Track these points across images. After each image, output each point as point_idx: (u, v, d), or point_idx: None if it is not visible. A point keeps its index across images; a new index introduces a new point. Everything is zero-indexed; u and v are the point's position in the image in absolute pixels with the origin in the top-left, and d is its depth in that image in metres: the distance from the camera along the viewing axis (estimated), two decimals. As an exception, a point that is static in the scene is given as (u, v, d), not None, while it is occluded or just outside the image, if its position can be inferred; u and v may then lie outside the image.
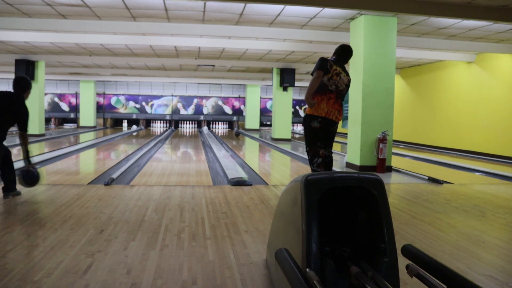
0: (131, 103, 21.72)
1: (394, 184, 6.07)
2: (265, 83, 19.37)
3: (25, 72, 12.20)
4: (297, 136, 18.11)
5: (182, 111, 22.04)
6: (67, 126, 22.03)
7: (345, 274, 1.78)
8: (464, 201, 4.91)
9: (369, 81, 7.09)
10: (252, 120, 20.91)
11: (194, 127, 22.42)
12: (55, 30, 8.27)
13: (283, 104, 14.28)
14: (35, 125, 13.05)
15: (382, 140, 6.97)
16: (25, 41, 10.01)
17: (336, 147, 12.48)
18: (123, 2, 6.68)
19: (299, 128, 23.28)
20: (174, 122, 22.18)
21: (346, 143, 8.96)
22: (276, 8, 6.85)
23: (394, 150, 10.51)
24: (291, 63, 13.46)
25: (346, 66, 4.70)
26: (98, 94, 21.28)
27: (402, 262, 1.79)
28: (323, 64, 4.40)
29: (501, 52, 9.44)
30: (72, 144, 11.90)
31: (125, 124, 22.47)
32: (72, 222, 3.61)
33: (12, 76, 16.07)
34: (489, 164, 8.78)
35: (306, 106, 4.55)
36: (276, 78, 13.99)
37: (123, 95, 21.60)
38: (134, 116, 21.79)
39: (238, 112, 22.36)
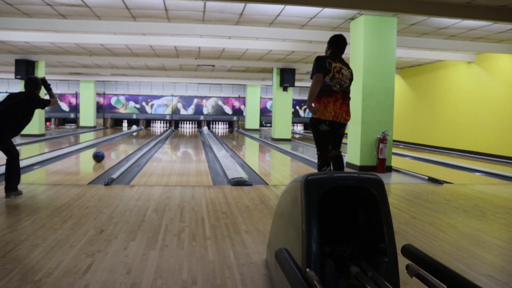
0: (131, 103, 21.72)
1: (394, 184, 6.07)
2: (265, 83, 19.38)
3: (25, 72, 12.21)
4: (297, 136, 18.11)
5: (182, 111, 22.04)
6: (67, 126, 22.03)
7: (345, 274, 1.78)
8: (464, 201, 4.91)
9: (369, 81, 7.10)
10: (252, 120, 20.91)
11: (194, 127, 22.42)
12: (55, 30, 8.27)
13: (283, 104, 14.28)
14: (35, 125, 13.06)
15: (382, 140, 6.97)
16: (25, 41, 10.01)
17: (336, 147, 12.48)
18: (123, 2, 6.68)
19: (299, 128, 23.29)
20: (174, 122, 22.18)
21: (346, 143, 8.96)
22: (276, 8, 6.85)
23: (394, 150, 10.51)
24: (291, 63, 13.46)
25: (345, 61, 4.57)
26: (98, 94, 21.28)
27: (402, 262, 1.79)
28: (321, 65, 4.19)
29: (501, 52, 9.44)
30: (72, 144, 11.90)
31: (125, 124, 22.47)
32: (72, 222, 3.61)
33: (12, 76, 16.07)
34: (489, 164, 8.78)
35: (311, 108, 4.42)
36: (276, 78, 13.99)
37: (123, 95, 21.61)
38: (134, 116, 21.79)
39: (238, 112, 22.36)
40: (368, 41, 7.06)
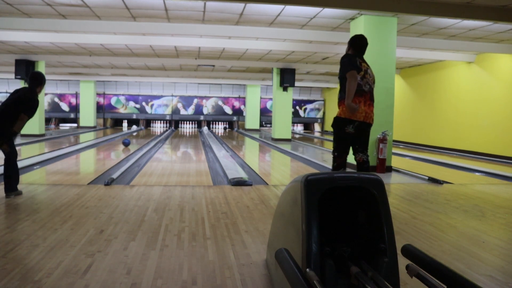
0: (131, 103, 21.72)
1: (394, 184, 6.07)
2: (265, 83, 19.38)
3: (25, 72, 12.21)
4: (297, 136, 18.12)
5: (182, 111, 22.04)
6: (66, 126, 22.02)
7: (345, 274, 1.78)
8: (464, 201, 4.91)
9: (369, 81, 7.09)
10: (252, 120, 20.91)
11: (194, 127, 22.42)
12: (55, 30, 8.27)
13: (283, 104, 14.27)
14: (35, 125, 13.06)
15: (382, 140, 6.97)
16: (25, 41, 10.02)
17: (336, 147, 12.48)
18: (123, 2, 6.68)
19: (299, 128, 23.29)
20: (174, 122, 22.18)
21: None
22: (276, 8, 6.85)
23: (394, 150, 10.51)
24: (291, 63, 13.46)
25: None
26: (98, 94, 21.28)
27: (402, 262, 1.79)
28: (353, 62, 4.03)
29: (501, 52, 9.44)
30: (72, 144, 11.90)
31: (125, 124, 22.47)
32: (72, 222, 3.61)
33: (12, 76, 16.07)
34: (489, 164, 8.78)
35: (342, 107, 4.12)
36: (276, 78, 13.99)
37: (123, 95, 21.60)
38: (134, 116, 21.79)
39: (238, 112, 22.35)
40: (368, 41, 7.04)
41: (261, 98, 21.56)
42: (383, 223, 1.83)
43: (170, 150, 11.28)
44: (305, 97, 22.91)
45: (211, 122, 22.65)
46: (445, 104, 12.10)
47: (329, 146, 13.23)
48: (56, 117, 21.65)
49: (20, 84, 12.85)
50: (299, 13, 7.12)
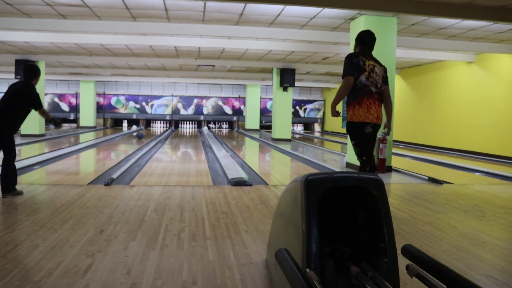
0: (131, 103, 21.72)
1: (394, 184, 6.07)
2: (265, 83, 19.38)
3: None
4: (297, 136, 18.11)
5: (182, 111, 22.03)
6: (65, 126, 22.04)
7: (345, 274, 1.78)
8: (464, 201, 4.91)
9: (369, 81, 7.09)
10: (252, 120, 20.90)
11: (194, 127, 22.42)
12: (55, 30, 8.27)
13: (283, 104, 14.27)
14: (35, 125, 13.06)
15: (382, 140, 6.97)
16: (25, 41, 10.02)
17: (336, 147, 12.50)
18: (123, 2, 6.68)
19: (299, 128, 23.28)
20: (174, 122, 22.17)
21: (346, 143, 8.96)
22: (276, 8, 6.85)
23: (394, 150, 10.51)
24: (291, 63, 13.46)
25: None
26: (98, 94, 21.28)
27: (402, 262, 1.79)
28: (353, 64, 3.84)
29: (501, 52, 9.43)
30: (72, 144, 11.90)
31: (125, 124, 22.47)
32: (72, 222, 3.61)
33: (12, 76, 16.07)
34: (489, 164, 8.78)
35: (346, 111, 3.99)
36: (276, 78, 13.99)
37: (123, 95, 21.60)
38: (134, 116, 21.78)
39: (238, 112, 22.35)
40: (368, 41, 7.04)
41: (261, 98, 21.56)
42: (383, 223, 1.83)
43: (170, 150, 11.28)
44: (305, 97, 22.90)
45: (211, 122, 22.65)
46: (445, 104, 12.10)
47: (329, 146, 13.23)
48: (56, 117, 21.64)
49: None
50: (299, 13, 7.12)
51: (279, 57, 12.34)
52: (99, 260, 2.71)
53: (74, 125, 21.84)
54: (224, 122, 22.93)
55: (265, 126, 21.68)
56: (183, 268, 2.60)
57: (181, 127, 22.37)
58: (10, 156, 4.59)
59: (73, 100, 21.41)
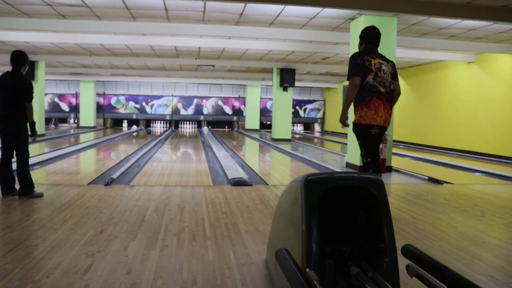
0: (131, 103, 21.71)
1: (394, 184, 6.07)
2: (265, 83, 19.38)
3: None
4: (297, 136, 18.11)
5: (182, 111, 22.03)
6: (65, 125, 22.04)
7: (345, 274, 1.78)
8: (464, 201, 4.91)
9: (369, 81, 7.09)
10: (252, 120, 20.90)
11: (194, 127, 22.42)
12: (55, 30, 8.27)
13: (283, 104, 14.27)
14: (35, 125, 13.03)
15: (382, 140, 6.96)
16: (25, 41, 10.01)
17: (336, 147, 12.50)
18: (123, 2, 6.68)
19: (299, 128, 23.28)
20: (174, 122, 22.17)
21: (346, 143, 8.96)
22: (276, 8, 6.85)
23: (394, 150, 10.51)
24: (291, 63, 13.45)
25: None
26: (98, 94, 21.28)
27: (402, 262, 1.79)
28: (357, 65, 3.72)
29: (501, 52, 9.43)
30: (72, 144, 11.90)
31: (125, 124, 22.47)
32: (72, 222, 3.61)
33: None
34: (489, 164, 8.78)
35: (344, 111, 3.86)
36: (276, 78, 13.99)
37: (123, 95, 21.60)
38: (134, 116, 21.78)
39: (238, 112, 22.35)
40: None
41: (261, 98, 21.55)
42: (383, 223, 1.83)
43: (170, 150, 11.28)
44: (305, 97, 22.90)
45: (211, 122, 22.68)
46: (445, 104, 12.10)
47: (329, 146, 13.24)
48: (56, 117, 21.64)
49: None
50: (299, 13, 7.12)
51: (279, 57, 12.34)
52: (99, 260, 2.71)
53: (73, 124, 21.84)
54: (226, 126, 22.92)
55: (267, 125, 21.68)
56: (183, 268, 2.60)
57: (181, 127, 22.37)
58: (23, 157, 4.52)
59: (73, 100, 21.41)
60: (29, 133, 4.57)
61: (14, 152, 4.57)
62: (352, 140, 7.48)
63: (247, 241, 3.17)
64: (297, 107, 22.71)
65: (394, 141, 13.03)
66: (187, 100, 22.02)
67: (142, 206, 4.28)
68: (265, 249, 2.86)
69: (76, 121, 21.69)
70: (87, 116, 20.17)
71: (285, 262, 1.68)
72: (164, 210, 4.13)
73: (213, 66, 14.09)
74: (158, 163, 7.98)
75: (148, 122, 22.37)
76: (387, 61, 3.93)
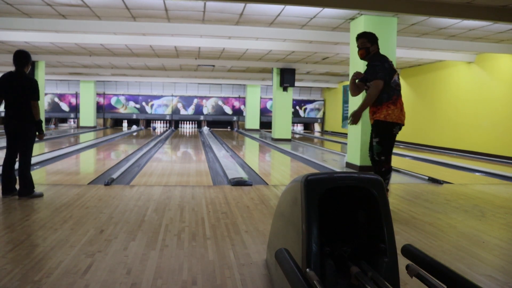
0: (131, 103, 21.71)
1: (394, 184, 6.07)
2: (265, 83, 19.37)
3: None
4: (297, 136, 18.11)
5: (182, 111, 22.03)
6: (65, 125, 22.03)
7: (345, 274, 1.78)
8: (464, 201, 4.91)
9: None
10: (252, 120, 20.91)
11: (194, 127, 22.43)
12: (55, 30, 8.27)
13: (283, 104, 14.27)
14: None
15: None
16: (25, 41, 10.01)
17: (336, 147, 12.50)
18: (123, 2, 6.68)
19: (299, 128, 23.28)
20: (174, 122, 22.17)
21: (346, 143, 8.96)
22: (276, 8, 6.85)
23: (394, 150, 10.49)
24: (291, 63, 13.45)
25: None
26: (98, 94, 21.27)
27: (402, 262, 1.79)
28: (385, 69, 3.89)
29: (501, 52, 9.43)
30: (72, 144, 11.90)
31: (125, 124, 22.47)
32: (72, 222, 3.61)
33: (12, 76, 16.04)
34: (489, 164, 8.78)
35: (378, 110, 3.98)
36: (276, 78, 13.99)
37: (123, 95, 21.60)
38: (134, 116, 21.77)
39: (238, 112, 22.35)
40: (368, 41, 7.03)
41: (261, 98, 21.56)
42: (383, 223, 1.83)
43: (170, 150, 11.28)
44: (305, 97, 22.90)
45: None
46: (445, 104, 12.10)
47: (329, 146, 13.24)
48: (56, 117, 21.64)
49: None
50: (299, 13, 7.11)
51: (279, 57, 12.34)
52: (99, 260, 2.71)
53: (73, 124, 21.84)
54: (228, 126, 22.89)
55: (267, 124, 21.65)
56: (183, 268, 2.60)
57: (181, 127, 22.37)
58: (26, 158, 4.52)
59: (73, 100, 21.41)
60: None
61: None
62: (352, 140, 7.48)
63: (247, 241, 3.17)
64: (297, 107, 22.71)
65: (394, 141, 13.00)
66: (187, 100, 22.02)
67: (142, 206, 4.28)
68: (265, 249, 2.86)
69: (76, 121, 21.70)
70: (87, 116, 20.17)
71: (285, 262, 1.68)
72: (164, 210, 4.13)
73: (213, 66, 14.09)
74: (158, 163, 7.98)
75: (148, 122, 22.37)
76: None
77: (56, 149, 9.87)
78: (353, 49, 7.46)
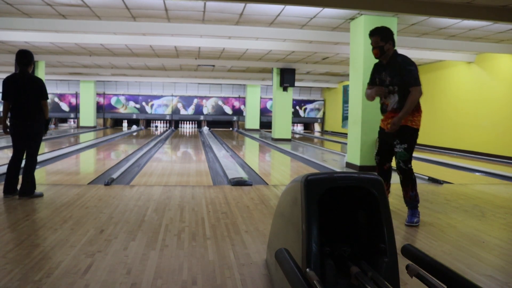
0: (131, 103, 21.71)
1: (394, 184, 6.05)
2: (265, 83, 19.37)
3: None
4: (297, 136, 18.11)
5: (182, 111, 22.03)
6: (65, 125, 22.03)
7: (345, 274, 1.78)
8: (464, 201, 4.91)
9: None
10: (252, 120, 20.91)
11: (194, 127, 22.43)
12: (55, 30, 8.27)
13: (283, 104, 14.28)
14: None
15: (382, 140, 6.96)
16: (25, 41, 10.01)
17: (336, 147, 12.49)
18: (123, 2, 6.68)
19: (299, 128, 23.29)
20: (174, 122, 22.17)
21: (346, 143, 8.96)
22: (276, 8, 6.85)
23: (394, 150, 10.47)
24: (291, 63, 13.45)
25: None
26: (98, 94, 21.27)
27: (402, 262, 1.79)
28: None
29: (501, 52, 9.43)
30: (72, 144, 11.90)
31: (125, 124, 22.47)
32: (72, 222, 3.61)
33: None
34: (489, 164, 8.78)
35: (398, 116, 3.86)
36: (276, 78, 13.99)
37: (123, 95, 21.60)
38: (134, 116, 21.78)
39: (238, 112, 22.35)
40: (368, 41, 6.99)
41: (261, 98, 21.56)
42: (383, 223, 1.83)
43: (170, 150, 11.28)
44: (305, 97, 22.90)
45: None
46: (445, 104, 12.10)
47: (329, 146, 13.24)
48: (56, 117, 21.63)
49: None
50: (299, 13, 7.11)
51: (279, 57, 12.34)
52: (99, 260, 2.71)
53: (73, 124, 21.84)
54: (230, 127, 22.88)
55: (269, 124, 21.60)
56: (183, 268, 2.60)
57: (181, 127, 22.37)
58: (32, 159, 4.53)
59: (73, 100, 21.41)
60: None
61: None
62: (352, 140, 7.47)
63: (247, 241, 3.17)
64: (297, 107, 22.71)
65: (394, 141, 13.00)
66: (187, 100, 22.02)
67: (142, 206, 4.27)
68: (265, 249, 2.86)
69: (76, 121, 21.70)
70: (87, 116, 20.17)
71: (285, 262, 1.68)
72: (164, 210, 4.13)
73: (213, 66, 14.09)
74: (158, 163, 7.98)
75: (148, 122, 22.38)
76: None
77: (56, 149, 9.86)
78: (353, 49, 7.46)
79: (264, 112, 22.11)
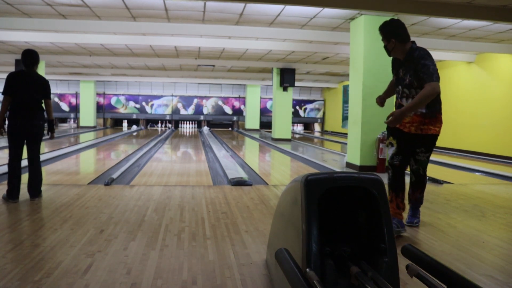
0: (131, 103, 21.71)
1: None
2: (265, 83, 19.38)
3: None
4: (297, 136, 18.11)
5: (182, 111, 22.04)
6: (65, 125, 22.03)
7: (345, 274, 1.78)
8: (464, 201, 4.91)
9: (369, 81, 7.09)
10: (252, 120, 20.91)
11: (194, 127, 22.43)
12: (55, 30, 8.27)
13: (283, 104, 14.28)
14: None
15: (382, 140, 6.96)
16: (25, 41, 10.01)
17: (336, 147, 12.49)
18: (123, 2, 6.68)
19: (299, 128, 23.29)
20: (174, 122, 22.17)
21: (346, 143, 8.96)
22: (276, 8, 6.85)
23: (394, 150, 10.47)
24: (291, 63, 13.46)
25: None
26: (98, 94, 21.28)
27: (402, 262, 1.79)
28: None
29: (501, 52, 9.43)
30: (72, 144, 11.90)
31: (125, 124, 22.47)
32: (72, 222, 3.61)
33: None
34: (489, 164, 8.78)
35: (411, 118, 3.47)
36: (276, 78, 13.99)
37: (123, 95, 21.60)
38: (134, 116, 21.78)
39: (238, 112, 22.35)
40: (368, 41, 7.05)
41: (261, 98, 21.56)
42: (383, 223, 1.83)
43: (170, 150, 11.28)
44: (305, 97, 22.90)
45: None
46: (445, 104, 11.88)
47: (329, 146, 13.23)
48: (56, 117, 21.64)
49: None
50: (299, 13, 7.12)
51: (279, 57, 12.34)
52: (99, 260, 2.71)
53: (73, 124, 21.84)
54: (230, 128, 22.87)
55: (268, 124, 21.59)
56: (183, 268, 2.60)
57: (181, 127, 22.37)
58: (35, 161, 4.47)
59: (73, 100, 21.41)
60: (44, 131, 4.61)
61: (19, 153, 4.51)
62: (352, 140, 7.47)
63: (247, 241, 3.17)
64: (297, 107, 22.71)
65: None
66: (187, 100, 22.02)
67: (142, 206, 4.27)
68: (265, 249, 2.86)
69: (76, 121, 21.70)
70: (87, 116, 20.18)
71: (285, 262, 1.68)
72: (164, 210, 4.13)
73: (213, 66, 14.09)
74: (158, 163, 7.98)
75: (148, 122, 22.38)
76: None
77: (56, 149, 9.86)
78: (352, 49, 7.46)
79: (264, 112, 22.11)
